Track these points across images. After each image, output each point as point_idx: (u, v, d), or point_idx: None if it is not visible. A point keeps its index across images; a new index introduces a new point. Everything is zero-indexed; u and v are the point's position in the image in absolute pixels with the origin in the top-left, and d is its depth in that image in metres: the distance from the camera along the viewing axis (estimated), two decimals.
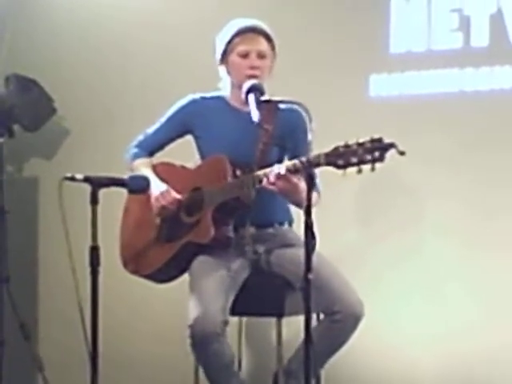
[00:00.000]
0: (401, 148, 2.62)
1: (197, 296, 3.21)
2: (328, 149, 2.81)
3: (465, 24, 4.13)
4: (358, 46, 4.26)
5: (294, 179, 3.07)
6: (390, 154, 2.69)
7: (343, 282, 3.24)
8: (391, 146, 2.67)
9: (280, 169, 3.06)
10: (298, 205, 3.24)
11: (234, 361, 3.28)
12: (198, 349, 3.19)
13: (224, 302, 3.20)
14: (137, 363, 4.67)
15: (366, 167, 2.69)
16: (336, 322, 3.18)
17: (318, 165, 2.84)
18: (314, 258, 2.68)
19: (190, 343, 3.18)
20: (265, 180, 3.10)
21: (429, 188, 4.13)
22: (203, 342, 3.14)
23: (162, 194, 3.39)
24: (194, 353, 3.23)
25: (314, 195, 3.31)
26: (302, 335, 2.71)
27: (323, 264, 3.19)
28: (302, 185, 3.08)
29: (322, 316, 3.29)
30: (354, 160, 2.72)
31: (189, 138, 3.53)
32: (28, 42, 4.97)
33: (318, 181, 3.30)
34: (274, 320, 3.40)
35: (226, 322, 3.16)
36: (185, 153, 3.54)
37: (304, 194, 3.09)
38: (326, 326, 3.20)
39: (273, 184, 3.08)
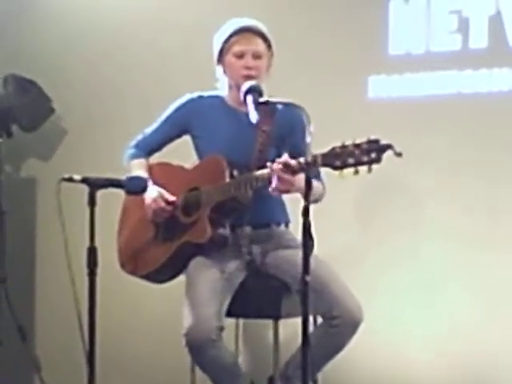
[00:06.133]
0: (398, 149, 2.61)
1: (190, 303, 3.20)
2: (325, 150, 2.80)
3: (464, 26, 4.12)
4: (356, 47, 4.26)
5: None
6: (389, 155, 2.68)
7: (342, 286, 3.22)
8: (388, 147, 2.66)
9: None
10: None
11: (235, 362, 3.26)
12: (196, 357, 3.18)
13: (218, 306, 3.18)
14: (134, 363, 4.67)
15: (363, 168, 2.69)
16: (334, 327, 3.16)
17: (314, 166, 2.83)
18: (312, 260, 2.66)
19: (187, 351, 3.17)
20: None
21: (427, 189, 4.13)
22: (199, 350, 3.13)
23: (153, 200, 3.38)
24: (192, 359, 3.22)
25: (320, 187, 3.31)
26: (299, 338, 2.70)
27: (322, 267, 3.18)
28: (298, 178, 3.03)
29: (319, 319, 3.28)
30: (351, 161, 2.71)
31: (186, 138, 3.53)
32: (27, 43, 4.97)
33: (322, 175, 3.30)
34: (270, 322, 3.39)
35: (221, 328, 3.15)
36: (183, 153, 3.53)
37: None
38: (324, 330, 3.18)
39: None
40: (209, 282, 3.24)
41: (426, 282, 4.10)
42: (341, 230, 4.20)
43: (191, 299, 3.21)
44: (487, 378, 3.99)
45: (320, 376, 3.42)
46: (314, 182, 3.16)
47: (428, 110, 4.15)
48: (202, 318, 3.11)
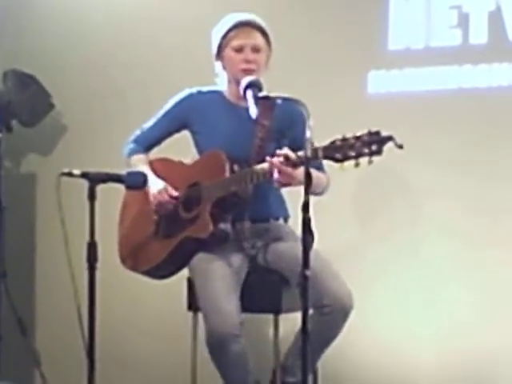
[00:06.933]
0: (399, 141, 2.61)
1: (209, 300, 3.19)
2: (325, 142, 2.80)
3: (463, 21, 4.12)
4: (356, 42, 4.26)
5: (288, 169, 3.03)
6: (390, 151, 2.68)
7: (332, 274, 3.21)
8: (389, 139, 2.65)
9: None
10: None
11: (248, 359, 3.25)
12: (218, 353, 3.16)
13: (236, 301, 3.19)
14: (134, 359, 4.67)
15: (364, 161, 2.68)
16: (325, 315, 3.15)
17: (315, 158, 2.83)
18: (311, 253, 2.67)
19: (208, 348, 3.16)
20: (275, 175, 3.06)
21: (427, 185, 4.12)
22: (223, 346, 3.12)
23: (159, 191, 3.39)
24: (212, 356, 3.19)
25: (323, 178, 3.31)
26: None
27: (314, 257, 3.16)
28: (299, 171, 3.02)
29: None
30: (352, 153, 2.71)
31: (186, 133, 3.53)
32: (27, 38, 4.97)
33: (325, 166, 3.29)
34: (270, 317, 3.39)
35: (242, 323, 3.16)
36: (182, 148, 3.53)
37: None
38: (316, 319, 3.14)
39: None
40: (222, 278, 3.24)
41: (426, 278, 4.09)
42: (341, 228, 4.19)
43: (209, 297, 3.20)
44: (487, 376, 3.99)
45: (320, 369, 3.43)
46: (318, 173, 3.17)
47: (428, 105, 4.15)
48: (225, 314, 3.12)
